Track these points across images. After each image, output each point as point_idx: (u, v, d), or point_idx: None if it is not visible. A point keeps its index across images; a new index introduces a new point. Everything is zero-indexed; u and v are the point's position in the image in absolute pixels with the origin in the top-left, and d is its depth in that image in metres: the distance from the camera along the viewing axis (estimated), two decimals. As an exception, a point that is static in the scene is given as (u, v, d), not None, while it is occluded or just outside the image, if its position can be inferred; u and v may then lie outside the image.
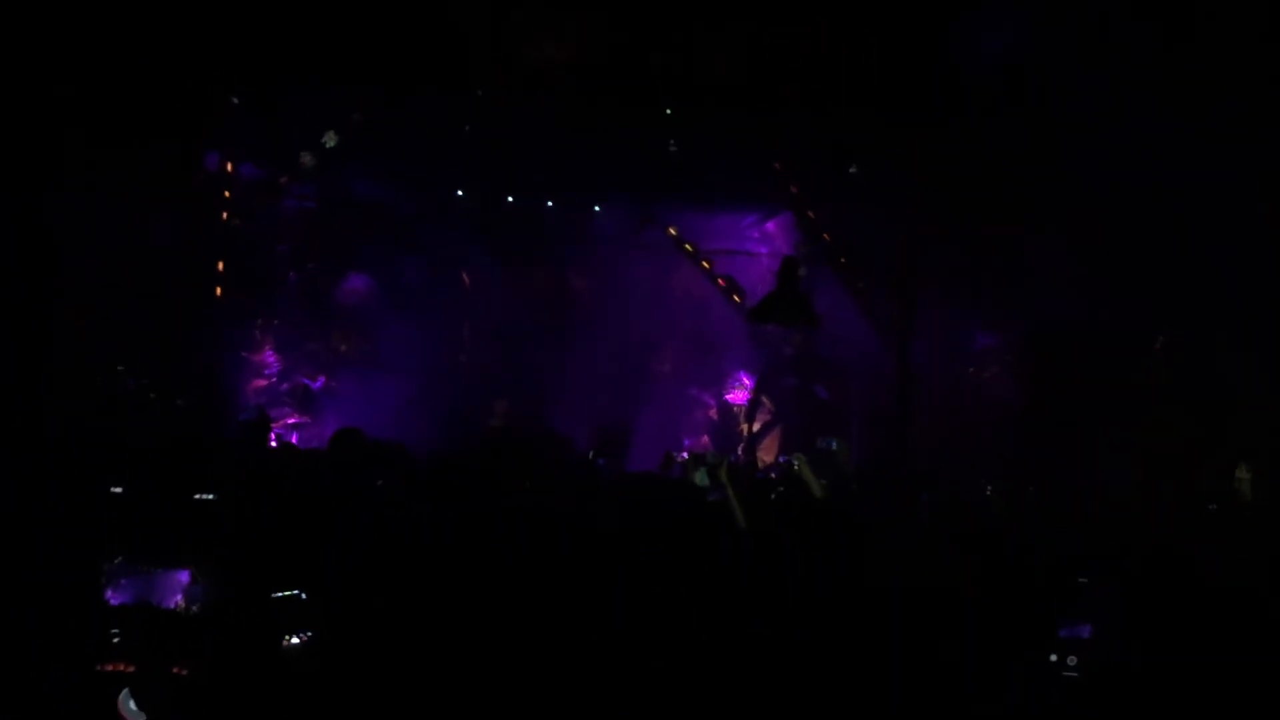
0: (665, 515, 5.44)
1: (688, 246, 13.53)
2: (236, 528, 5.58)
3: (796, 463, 6.68)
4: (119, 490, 5.97)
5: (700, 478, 6.64)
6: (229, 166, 11.24)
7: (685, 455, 8.12)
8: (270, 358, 12.33)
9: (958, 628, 4.82)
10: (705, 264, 13.59)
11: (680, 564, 4.80)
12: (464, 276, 13.04)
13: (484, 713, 4.36)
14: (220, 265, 10.97)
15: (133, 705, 4.26)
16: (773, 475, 9.68)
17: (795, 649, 4.58)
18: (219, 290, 11.00)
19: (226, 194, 11.16)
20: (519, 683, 4.39)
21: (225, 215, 11.11)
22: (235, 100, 10.74)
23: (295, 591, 4.76)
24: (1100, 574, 5.37)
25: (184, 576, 4.89)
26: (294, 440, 11.31)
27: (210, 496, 5.95)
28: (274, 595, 4.76)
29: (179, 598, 4.86)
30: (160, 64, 9.86)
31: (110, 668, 4.49)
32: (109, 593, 4.86)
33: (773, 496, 7.08)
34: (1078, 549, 5.80)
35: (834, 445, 6.79)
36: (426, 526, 5.15)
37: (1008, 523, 7.06)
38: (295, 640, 4.66)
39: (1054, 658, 4.94)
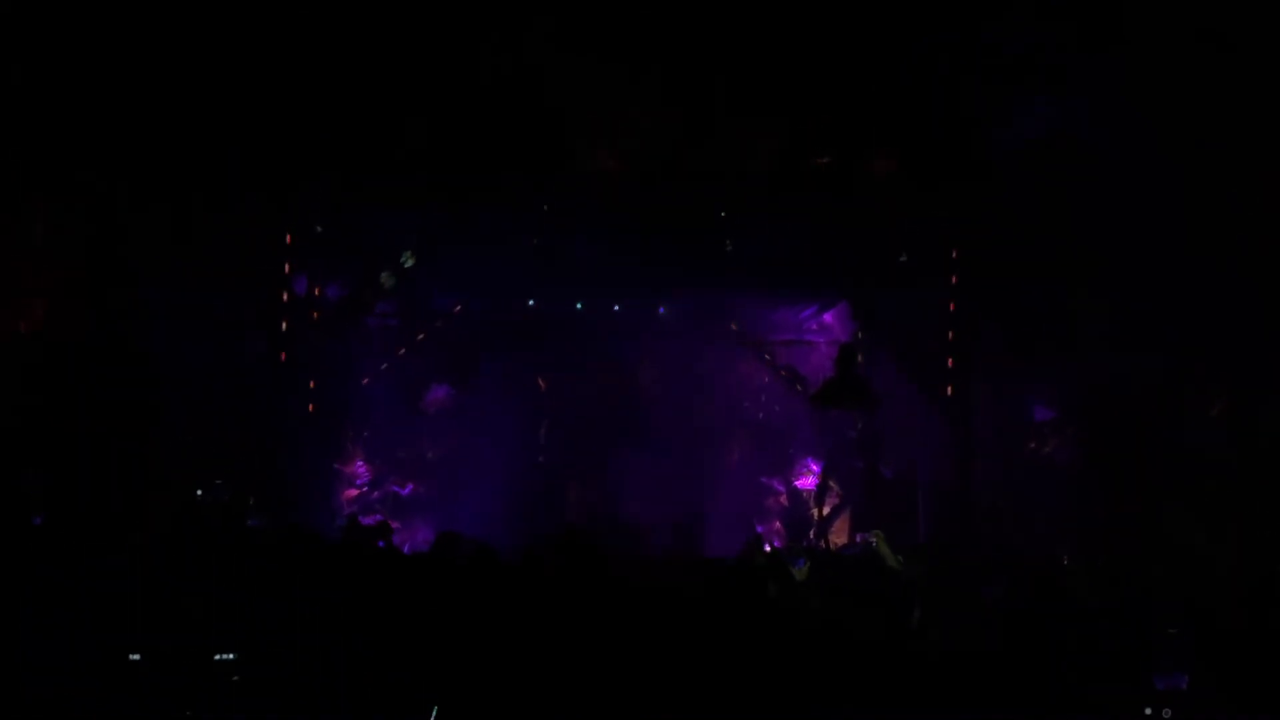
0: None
1: (749, 340, 13.97)
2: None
3: (875, 539, 6.90)
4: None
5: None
6: (316, 290, 11.93)
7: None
8: (361, 468, 12.85)
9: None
10: (767, 355, 14.02)
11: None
12: (539, 380, 13.48)
13: None
14: (311, 383, 11.59)
15: None
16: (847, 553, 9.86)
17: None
18: (310, 406, 11.62)
19: (315, 314, 11.80)
20: None
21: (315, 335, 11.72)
22: (319, 229, 11.55)
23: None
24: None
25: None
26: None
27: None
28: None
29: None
30: (252, 196, 10.67)
31: None
32: None
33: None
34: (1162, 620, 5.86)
35: (874, 542, 7.00)
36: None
37: (1091, 594, 7.15)
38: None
39: (1149, 711, 5.10)
